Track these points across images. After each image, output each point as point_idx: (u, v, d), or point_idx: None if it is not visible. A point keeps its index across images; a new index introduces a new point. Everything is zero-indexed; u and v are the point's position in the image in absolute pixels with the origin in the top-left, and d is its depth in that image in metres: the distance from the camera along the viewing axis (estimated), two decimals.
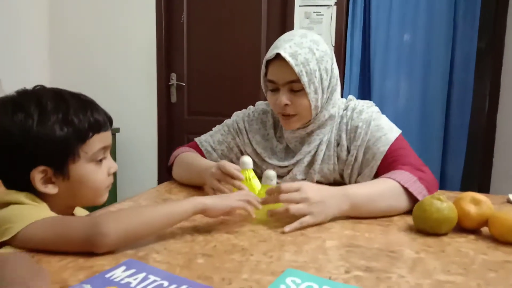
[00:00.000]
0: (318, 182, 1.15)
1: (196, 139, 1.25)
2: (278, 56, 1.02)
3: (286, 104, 1.04)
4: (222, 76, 2.85)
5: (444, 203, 0.77)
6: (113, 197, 2.49)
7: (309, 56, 1.01)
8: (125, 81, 2.95)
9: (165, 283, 0.55)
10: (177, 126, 2.97)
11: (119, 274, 0.58)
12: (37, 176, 0.71)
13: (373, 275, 0.60)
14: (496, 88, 2.46)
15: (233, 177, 0.93)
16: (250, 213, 0.80)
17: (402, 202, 0.90)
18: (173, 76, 2.92)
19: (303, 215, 0.81)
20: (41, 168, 0.71)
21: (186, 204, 0.73)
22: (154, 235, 0.72)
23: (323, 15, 2.61)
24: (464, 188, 2.54)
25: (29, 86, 0.77)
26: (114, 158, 2.84)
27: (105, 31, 2.96)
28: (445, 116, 2.48)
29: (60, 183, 0.73)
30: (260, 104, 1.26)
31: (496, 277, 0.60)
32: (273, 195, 0.84)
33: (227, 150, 1.22)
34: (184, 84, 2.92)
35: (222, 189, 0.94)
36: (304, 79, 1.01)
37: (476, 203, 0.79)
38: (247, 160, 0.97)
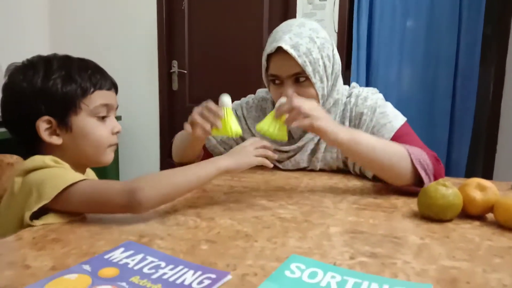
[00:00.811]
0: (321, 170, 1.14)
1: None
2: (279, 49, 0.99)
3: None
4: (224, 63, 2.83)
5: (449, 189, 0.76)
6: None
7: (311, 45, 0.99)
8: (126, 69, 2.93)
9: (163, 264, 0.56)
10: (179, 114, 2.96)
11: (117, 255, 0.58)
12: (41, 125, 0.77)
13: (378, 261, 0.59)
14: (501, 75, 2.44)
15: (215, 115, 0.91)
16: (268, 165, 0.85)
17: (404, 165, 0.90)
18: (175, 63, 2.91)
19: (306, 116, 0.85)
20: (45, 118, 0.77)
21: (211, 167, 0.78)
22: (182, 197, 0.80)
23: (326, 0, 2.58)
24: (468, 174, 2.53)
25: None
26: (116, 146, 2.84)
27: (106, 18, 2.94)
28: (450, 103, 2.46)
29: (64, 135, 0.79)
30: (260, 92, 1.25)
31: (501, 263, 0.59)
32: (285, 106, 0.87)
33: (226, 137, 1.20)
34: (185, 72, 2.91)
35: (199, 122, 0.92)
36: (309, 70, 0.99)
37: (481, 189, 0.78)
38: (226, 99, 0.94)
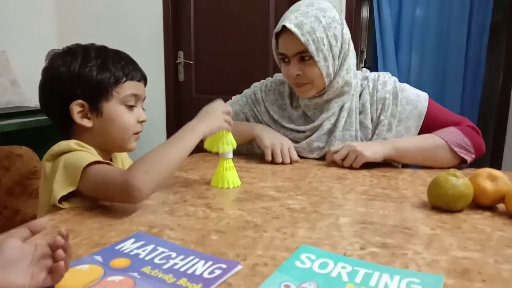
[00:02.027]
0: None
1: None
2: (285, 28, 1.03)
3: (298, 75, 1.07)
4: (230, 53, 2.81)
5: (460, 179, 0.75)
6: None
7: (315, 24, 1.02)
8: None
9: (173, 254, 0.56)
10: (185, 105, 2.96)
11: (128, 246, 0.59)
12: (75, 108, 0.83)
13: (389, 251, 0.59)
14: (510, 63, 2.40)
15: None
16: (228, 130, 0.89)
17: (445, 154, 1.04)
18: (181, 54, 2.89)
19: (355, 159, 1.03)
20: (79, 101, 0.83)
21: (193, 137, 0.80)
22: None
23: None
24: (477, 164, 2.50)
25: (36, 63, 0.84)
26: None
27: (112, 8, 2.93)
28: (461, 92, 2.43)
29: (94, 119, 0.84)
30: (277, 75, 1.28)
31: None
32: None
33: (245, 120, 1.25)
34: (191, 62, 2.89)
35: (278, 158, 1.09)
36: (312, 48, 1.02)
37: (492, 179, 0.77)
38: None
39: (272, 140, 1.10)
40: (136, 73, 0.89)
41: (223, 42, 2.82)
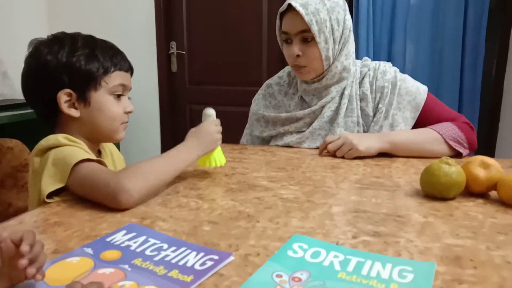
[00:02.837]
0: None
1: (241, 142, 1.30)
2: (290, 7, 1.05)
3: (298, 55, 1.08)
4: (223, 44, 2.79)
5: (452, 167, 0.75)
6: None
7: (320, 6, 1.04)
8: (124, 50, 2.88)
9: (165, 246, 0.56)
10: (179, 96, 2.94)
11: (119, 238, 0.58)
12: (62, 97, 0.81)
13: (381, 239, 0.59)
14: (504, 50, 2.39)
15: None
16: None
17: (441, 147, 1.05)
18: (173, 44, 2.86)
19: (348, 151, 1.03)
20: (67, 90, 0.81)
21: (190, 158, 0.83)
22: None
23: None
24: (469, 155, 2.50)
25: None
26: None
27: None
28: (459, 81, 2.40)
29: (82, 109, 0.83)
30: (264, 84, 1.29)
31: (505, 240, 0.59)
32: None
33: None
34: (184, 53, 2.87)
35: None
36: (314, 28, 1.04)
37: (485, 167, 0.77)
38: (211, 112, 0.90)
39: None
40: (124, 63, 0.88)
41: (216, 33, 2.79)
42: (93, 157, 0.77)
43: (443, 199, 0.76)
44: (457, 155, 1.07)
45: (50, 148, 0.76)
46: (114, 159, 0.99)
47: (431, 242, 0.58)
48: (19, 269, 0.44)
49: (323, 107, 1.15)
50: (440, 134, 1.05)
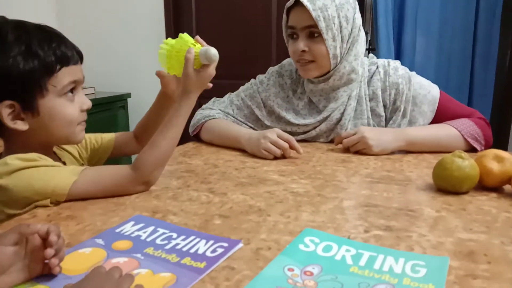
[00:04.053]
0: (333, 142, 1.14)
1: (221, 114, 1.21)
2: (297, 2, 1.03)
3: (303, 51, 1.05)
4: (232, 38, 2.78)
5: (465, 161, 0.74)
6: (128, 160, 2.51)
7: (328, 2, 1.02)
8: (134, 46, 2.90)
9: (174, 235, 0.57)
10: None
11: (128, 228, 0.59)
12: (4, 111, 0.67)
13: (393, 234, 0.59)
14: None
15: (290, 145, 0.99)
16: None
17: (459, 144, 1.02)
18: None
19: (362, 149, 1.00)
20: (8, 102, 0.67)
21: (185, 115, 0.77)
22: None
23: None
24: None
25: None
26: (126, 123, 2.84)
27: None
28: (470, 74, 2.35)
29: (30, 120, 0.70)
30: (271, 69, 1.25)
31: None
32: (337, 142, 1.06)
33: (254, 122, 1.22)
34: None
35: (275, 151, 0.98)
36: (322, 24, 1.01)
37: (499, 161, 0.76)
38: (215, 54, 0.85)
39: (260, 145, 0.99)
40: (72, 54, 0.72)
41: (225, 27, 2.78)
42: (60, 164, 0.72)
43: (456, 193, 0.75)
44: (471, 150, 1.05)
45: (6, 174, 0.66)
46: (78, 146, 0.91)
47: (444, 236, 0.58)
48: (39, 262, 0.45)
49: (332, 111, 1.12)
50: (459, 131, 1.03)
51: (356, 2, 1.08)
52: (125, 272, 0.45)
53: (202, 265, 0.49)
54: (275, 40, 2.69)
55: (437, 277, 0.46)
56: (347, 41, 1.06)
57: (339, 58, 1.07)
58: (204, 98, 1.27)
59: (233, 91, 1.29)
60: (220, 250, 0.52)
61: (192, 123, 1.21)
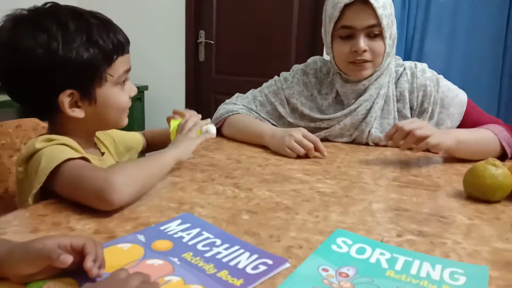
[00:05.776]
0: (355, 143, 1.12)
1: (244, 110, 1.19)
2: (356, 1, 0.98)
3: (365, 50, 1.02)
4: (251, 34, 2.77)
5: (499, 169, 0.72)
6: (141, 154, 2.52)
7: (385, 0, 1.01)
8: (153, 39, 2.91)
9: (218, 242, 0.53)
10: (205, 85, 2.94)
11: (173, 227, 0.57)
12: (65, 99, 0.68)
13: (427, 239, 0.57)
14: None
15: (315, 146, 0.97)
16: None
17: (494, 148, 0.97)
18: (202, 33, 2.86)
19: (425, 137, 0.87)
20: (69, 91, 0.68)
21: (172, 162, 0.77)
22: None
23: None
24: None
25: None
26: (142, 116, 2.85)
27: None
28: (499, 83, 2.27)
29: (86, 107, 0.71)
30: (296, 66, 1.22)
31: None
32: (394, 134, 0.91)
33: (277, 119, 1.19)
34: (212, 42, 2.86)
35: (299, 150, 0.96)
36: (384, 23, 1.00)
37: None
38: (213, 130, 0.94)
39: (284, 142, 0.98)
40: (125, 43, 0.74)
41: (245, 23, 2.77)
42: (79, 153, 0.67)
43: (487, 201, 0.73)
44: (502, 157, 0.99)
45: (30, 155, 0.66)
46: (114, 139, 0.93)
47: (479, 245, 0.56)
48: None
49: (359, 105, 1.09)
50: (495, 134, 0.98)
51: None
52: (157, 277, 0.44)
53: (238, 282, 0.44)
54: (294, 40, 2.67)
55: (478, 287, 0.45)
56: (394, 40, 1.06)
57: (387, 56, 1.06)
58: (224, 94, 1.27)
59: (249, 88, 1.27)
60: (262, 268, 0.47)
61: (214, 116, 1.20)
